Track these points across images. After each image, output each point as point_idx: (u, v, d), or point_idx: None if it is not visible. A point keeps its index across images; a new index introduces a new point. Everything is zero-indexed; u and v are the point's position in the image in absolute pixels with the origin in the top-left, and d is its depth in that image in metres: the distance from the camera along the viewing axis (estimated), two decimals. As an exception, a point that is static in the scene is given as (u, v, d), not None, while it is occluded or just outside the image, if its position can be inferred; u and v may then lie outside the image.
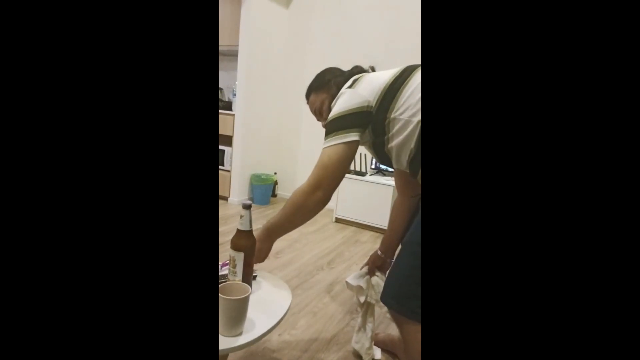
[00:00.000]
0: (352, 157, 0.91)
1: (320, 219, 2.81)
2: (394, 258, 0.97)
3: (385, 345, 1.30)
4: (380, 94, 0.89)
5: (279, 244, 2.22)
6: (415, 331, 0.83)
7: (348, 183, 2.69)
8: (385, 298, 0.90)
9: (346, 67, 1.11)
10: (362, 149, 2.78)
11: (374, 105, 0.89)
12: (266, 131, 3.15)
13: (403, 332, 0.91)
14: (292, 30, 3.12)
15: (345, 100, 0.90)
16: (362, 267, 1.23)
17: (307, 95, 1.11)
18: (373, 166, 2.84)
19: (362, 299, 1.17)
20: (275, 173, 3.28)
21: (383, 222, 2.60)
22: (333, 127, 0.90)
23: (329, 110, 0.98)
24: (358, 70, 1.04)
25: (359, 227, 2.71)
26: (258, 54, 2.89)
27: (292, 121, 3.24)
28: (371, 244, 2.39)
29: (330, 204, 3.18)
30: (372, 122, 0.90)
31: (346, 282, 1.19)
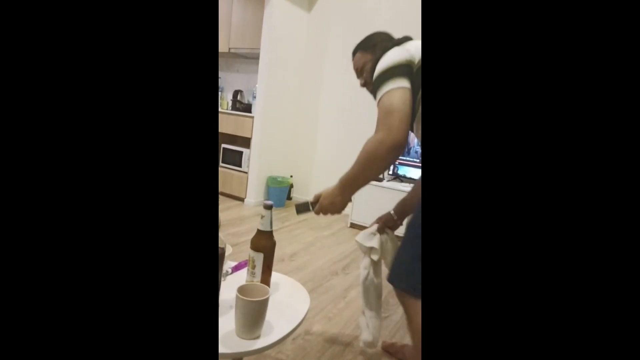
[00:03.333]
0: (411, 102, 0.88)
1: (335, 224, 2.78)
2: (402, 239, 0.99)
3: (403, 356, 1.27)
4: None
5: (293, 246, 2.21)
6: (417, 306, 0.92)
7: (364, 188, 2.66)
8: (391, 278, 0.98)
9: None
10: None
11: (416, 63, 0.90)
12: (284, 134, 3.16)
13: (406, 308, 0.98)
14: (313, 34, 3.12)
15: (393, 55, 0.92)
16: (371, 224, 1.21)
17: (354, 52, 1.13)
18: (390, 172, 2.80)
19: (375, 258, 1.15)
20: (292, 176, 3.28)
21: (400, 228, 2.56)
22: (383, 78, 0.89)
23: (370, 72, 1.00)
24: (407, 39, 1.06)
25: (374, 233, 2.68)
26: (279, 57, 2.90)
27: (310, 125, 3.23)
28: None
29: (346, 209, 3.15)
30: (411, 78, 0.90)
31: (356, 240, 1.16)
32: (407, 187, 2.54)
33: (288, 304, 0.84)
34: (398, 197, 2.55)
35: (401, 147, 0.86)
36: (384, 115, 0.87)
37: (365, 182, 0.95)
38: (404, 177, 2.74)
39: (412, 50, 0.92)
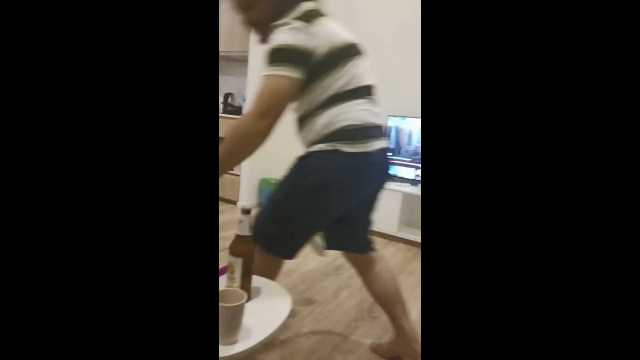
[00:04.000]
0: (295, 95, 0.92)
1: (329, 225, 2.78)
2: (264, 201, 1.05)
3: (390, 353, 1.27)
4: (332, 50, 0.90)
5: (285, 249, 2.21)
6: (258, 254, 0.99)
7: (357, 189, 2.66)
8: (253, 235, 1.03)
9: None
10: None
11: (320, 55, 0.89)
12: (275, 136, 3.16)
13: (258, 254, 1.01)
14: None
15: (298, 34, 0.86)
16: None
17: None
18: (382, 172, 2.81)
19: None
20: (284, 178, 3.28)
21: (391, 228, 2.56)
22: (281, 57, 0.86)
23: (265, 17, 0.92)
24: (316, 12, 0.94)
25: (367, 233, 2.68)
26: (268, 59, 2.90)
27: (302, 126, 3.23)
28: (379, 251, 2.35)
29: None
30: (308, 68, 0.89)
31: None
32: (400, 187, 2.55)
33: (268, 308, 0.84)
34: (390, 197, 2.56)
35: (270, 133, 0.90)
36: (266, 95, 0.87)
37: (233, 163, 0.92)
38: (395, 176, 2.74)
39: (322, 38, 0.88)
